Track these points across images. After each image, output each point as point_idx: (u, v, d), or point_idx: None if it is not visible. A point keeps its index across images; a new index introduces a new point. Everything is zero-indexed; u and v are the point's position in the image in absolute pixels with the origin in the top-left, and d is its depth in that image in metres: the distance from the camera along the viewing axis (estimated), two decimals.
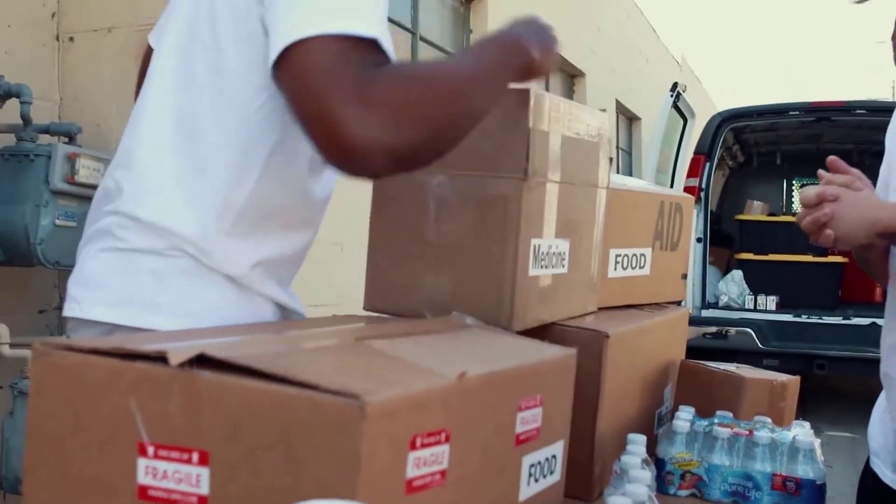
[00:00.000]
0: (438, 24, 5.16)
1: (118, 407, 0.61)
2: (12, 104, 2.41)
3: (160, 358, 0.60)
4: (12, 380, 2.38)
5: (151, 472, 0.60)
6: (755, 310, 4.90)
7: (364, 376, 0.64)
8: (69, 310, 0.99)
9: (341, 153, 0.74)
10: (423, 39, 4.87)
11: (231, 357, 0.59)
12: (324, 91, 0.73)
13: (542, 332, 1.01)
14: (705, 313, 4.86)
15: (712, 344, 4.60)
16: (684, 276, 1.47)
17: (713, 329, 4.67)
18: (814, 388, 5.87)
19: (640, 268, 1.34)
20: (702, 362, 1.33)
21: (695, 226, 4.83)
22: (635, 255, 1.32)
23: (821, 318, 4.74)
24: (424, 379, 0.65)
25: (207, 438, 0.59)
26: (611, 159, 1.22)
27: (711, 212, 5.31)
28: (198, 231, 0.90)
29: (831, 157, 1.12)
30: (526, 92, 0.93)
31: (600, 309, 1.20)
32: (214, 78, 0.90)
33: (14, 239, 2.29)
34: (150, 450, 0.60)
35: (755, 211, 5.51)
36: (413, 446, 0.60)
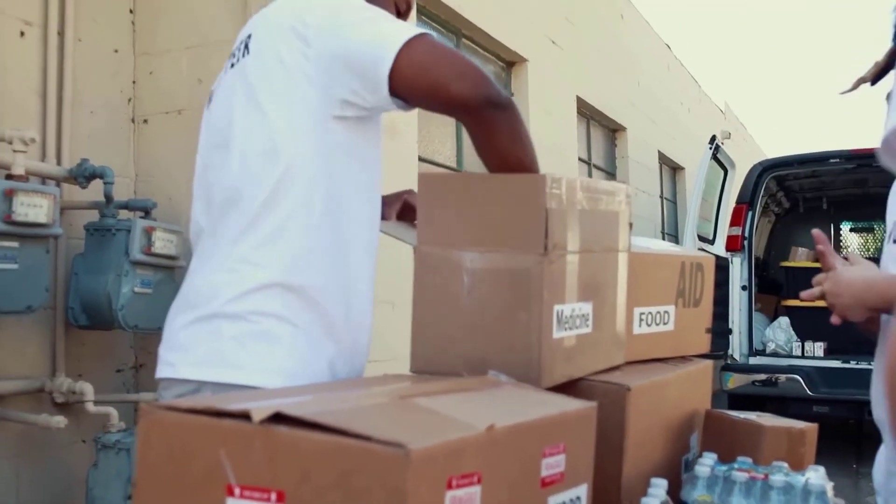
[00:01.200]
0: None
1: (211, 455, 0.74)
2: (96, 183, 2.67)
3: (245, 416, 0.73)
4: (96, 434, 2.55)
5: None
6: (803, 356, 4.85)
7: (409, 428, 0.77)
8: (161, 371, 1.17)
9: (484, 92, 1.10)
10: None
11: (302, 414, 0.72)
12: (457, 60, 1.11)
13: (570, 387, 1.11)
14: (753, 360, 4.81)
15: (762, 391, 4.54)
16: (708, 331, 1.57)
17: (762, 376, 4.62)
18: (868, 433, 5.70)
19: (665, 324, 1.43)
20: (725, 412, 1.42)
21: (739, 274, 4.84)
22: (659, 312, 1.42)
23: (869, 364, 4.61)
24: (459, 430, 0.77)
25: (283, 480, 0.71)
26: (630, 224, 1.34)
27: (757, 258, 5.30)
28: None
29: (816, 231, 1.22)
30: (542, 177, 1.07)
31: (627, 363, 1.29)
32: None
33: (98, 305, 2.50)
34: (237, 490, 0.73)
35: (800, 257, 5.48)
36: (450, 486, 0.72)
